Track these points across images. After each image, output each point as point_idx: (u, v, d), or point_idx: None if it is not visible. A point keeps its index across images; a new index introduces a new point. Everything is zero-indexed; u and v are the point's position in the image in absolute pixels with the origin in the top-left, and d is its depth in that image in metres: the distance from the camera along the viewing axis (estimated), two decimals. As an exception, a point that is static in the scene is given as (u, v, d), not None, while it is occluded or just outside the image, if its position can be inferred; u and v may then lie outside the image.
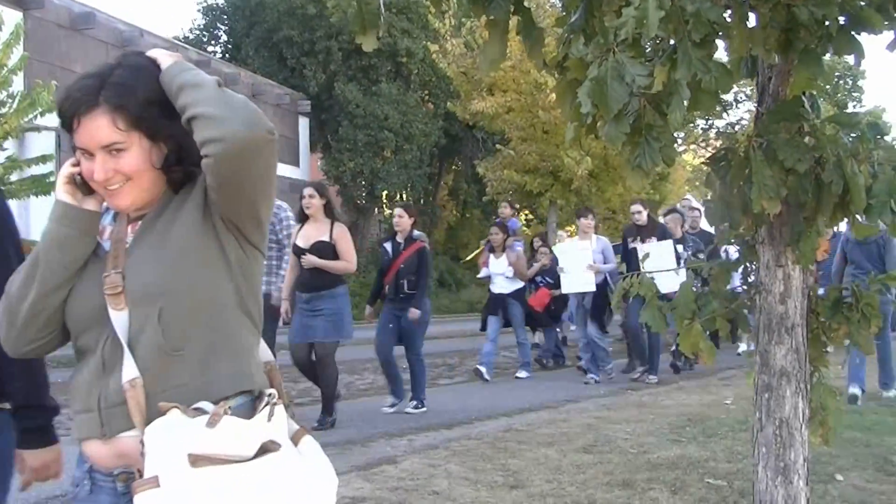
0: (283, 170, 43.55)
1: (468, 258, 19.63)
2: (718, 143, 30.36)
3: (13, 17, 21.79)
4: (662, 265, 13.26)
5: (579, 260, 15.05)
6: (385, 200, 47.90)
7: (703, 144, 47.00)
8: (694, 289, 5.04)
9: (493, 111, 32.08)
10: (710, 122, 43.65)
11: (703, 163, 4.95)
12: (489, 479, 7.71)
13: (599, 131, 4.25)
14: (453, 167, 53.21)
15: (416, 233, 12.40)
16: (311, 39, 44.96)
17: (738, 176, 4.43)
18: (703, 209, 17.15)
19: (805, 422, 4.66)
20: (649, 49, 4.21)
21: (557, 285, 16.36)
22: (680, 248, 14.94)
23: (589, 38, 4.31)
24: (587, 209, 16.39)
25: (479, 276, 17.41)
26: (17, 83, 20.39)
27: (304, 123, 47.31)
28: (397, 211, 12.65)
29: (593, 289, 14.89)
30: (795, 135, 4.35)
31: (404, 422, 11.07)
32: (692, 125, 40.92)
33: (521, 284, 15.95)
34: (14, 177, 19.94)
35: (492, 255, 15.92)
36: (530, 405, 12.27)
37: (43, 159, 20.19)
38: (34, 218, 27.66)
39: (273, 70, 46.09)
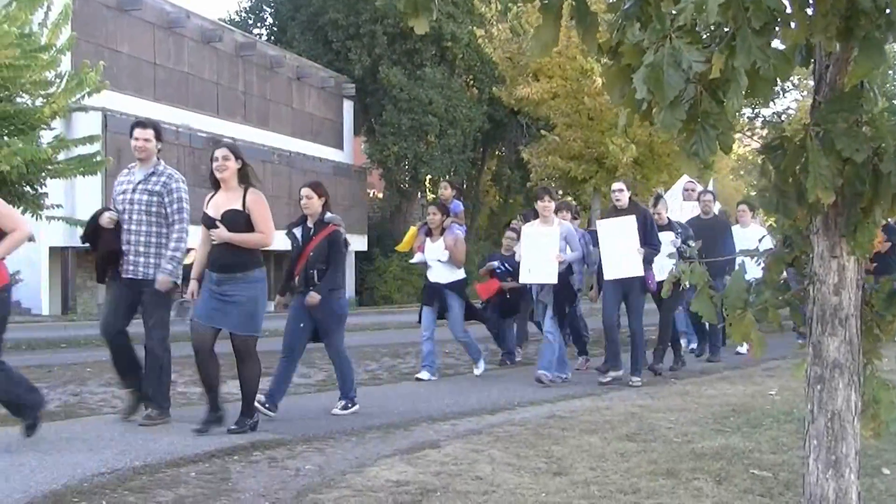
0: (328, 153, 43.67)
1: (400, 245, 16.70)
2: (765, 133, 30.15)
3: (62, -3, 21.90)
4: (623, 246, 13.21)
5: (541, 247, 13.20)
6: (428, 185, 47.91)
7: (748, 133, 46.71)
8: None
9: (538, 97, 32.00)
10: (756, 110, 43.30)
11: (757, 151, 4.89)
12: (532, 466, 7.69)
13: (654, 118, 4.21)
14: (497, 152, 53.14)
15: (328, 215, 10.81)
16: (357, 23, 45.01)
17: (793, 165, 4.38)
18: (715, 193, 16.84)
19: (857, 415, 4.61)
20: (706, 36, 4.16)
21: (517, 275, 14.00)
22: (671, 235, 14.21)
23: (644, 24, 4.26)
24: (545, 189, 14.15)
25: (412, 261, 15.33)
26: (65, 63, 20.53)
27: (348, 107, 47.42)
28: (304, 191, 10.92)
29: (554, 281, 13.15)
30: (853, 124, 4.29)
31: (447, 406, 11.05)
32: (738, 113, 40.64)
33: (461, 274, 13.94)
34: (61, 156, 20.09)
35: (428, 239, 13.98)
36: (573, 392, 12.23)
37: (90, 139, 20.36)
38: (80, 197, 27.90)
39: (318, 53, 46.23)
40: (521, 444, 8.57)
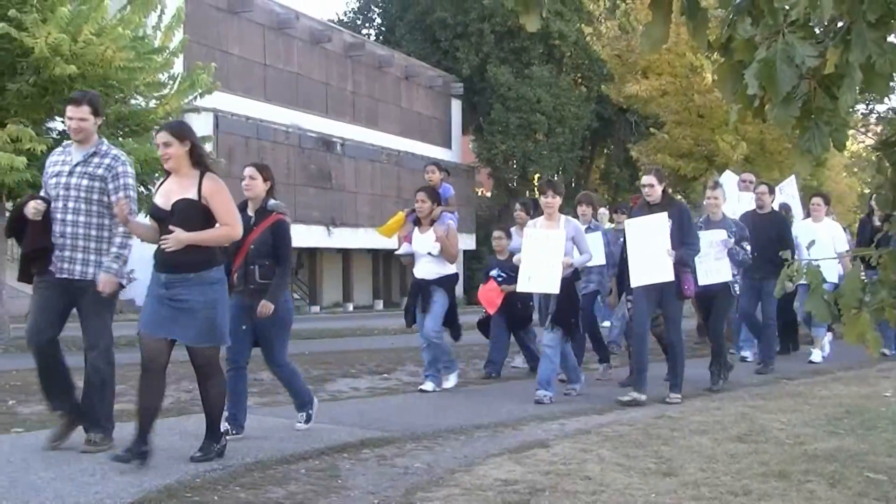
0: (436, 152, 43.81)
1: (382, 227, 14.34)
2: (880, 129, 29.61)
3: (174, 0, 22.26)
4: (653, 247, 11.42)
5: (544, 251, 11.39)
6: (536, 183, 47.85)
7: (863, 130, 45.88)
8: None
9: (647, 94, 31.75)
10: (871, 106, 42.51)
11: (872, 148, 4.79)
12: (642, 466, 7.63)
13: (767, 114, 4.15)
14: (605, 150, 52.91)
15: (271, 202, 9.30)
16: (465, 21, 45.14)
17: (912, 161, 4.29)
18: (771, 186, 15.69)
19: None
20: (819, 30, 4.09)
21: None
22: (723, 234, 12.60)
23: (756, 19, 4.20)
24: (549, 182, 12.10)
25: (397, 252, 13.11)
26: (178, 65, 20.86)
27: (456, 106, 47.55)
28: (248, 170, 9.54)
29: (555, 290, 11.27)
30: (974, 120, 4.18)
31: (556, 406, 11.01)
32: (852, 109, 39.94)
33: (450, 269, 12.42)
34: (173, 157, 20.38)
35: (416, 229, 12.38)
36: (683, 393, 12.10)
37: (202, 140, 20.58)
38: (193, 197, 28.30)
39: (426, 52, 46.44)
40: (630, 444, 8.51)
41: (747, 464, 7.69)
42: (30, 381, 12.42)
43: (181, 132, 7.98)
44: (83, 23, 16.94)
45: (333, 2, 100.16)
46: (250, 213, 9.14)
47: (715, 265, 12.46)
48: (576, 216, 13.40)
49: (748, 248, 12.80)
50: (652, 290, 11.53)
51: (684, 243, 11.43)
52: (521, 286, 11.57)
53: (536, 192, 28.93)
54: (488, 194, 51.44)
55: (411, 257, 12.45)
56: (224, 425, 8.39)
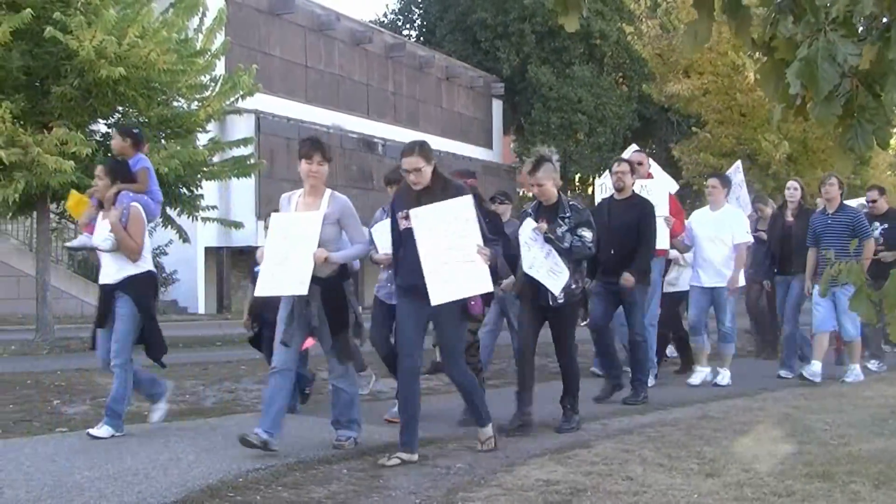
0: (476, 152, 43.82)
1: (69, 202, 10.92)
2: (924, 127, 29.34)
3: (216, 3, 22.41)
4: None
5: (293, 239, 8.61)
6: (578, 183, 47.77)
7: (907, 127, 45.52)
8: None
9: (689, 93, 31.62)
10: (915, 104, 42.10)
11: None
12: (684, 467, 7.60)
13: (809, 113, 4.13)
14: (647, 150, 52.65)
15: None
16: (505, 22, 45.10)
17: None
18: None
19: None
20: (861, 28, 4.07)
21: None
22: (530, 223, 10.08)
23: (798, 18, 4.19)
24: (314, 143, 8.54)
25: (67, 245, 10.82)
26: (220, 67, 20.97)
27: (497, 106, 47.56)
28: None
29: (303, 291, 8.45)
30: None
31: (598, 406, 10.99)
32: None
33: (140, 267, 9.28)
34: (216, 158, 20.55)
35: (100, 215, 9.48)
36: (726, 393, 12.05)
37: (244, 142, 20.80)
38: (234, 198, 28.48)
39: (467, 53, 46.45)
40: (672, 445, 8.49)
41: (791, 465, 7.66)
42: (74, 381, 12.55)
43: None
44: (128, 26, 17.05)
45: (374, 3, 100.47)
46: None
47: (547, 264, 9.59)
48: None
49: (587, 235, 9.54)
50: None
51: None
52: (262, 289, 8.58)
53: (577, 191, 27.73)
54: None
55: (94, 251, 9.57)
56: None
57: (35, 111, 17.38)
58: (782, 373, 13.82)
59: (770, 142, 30.08)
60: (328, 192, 8.75)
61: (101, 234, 9.18)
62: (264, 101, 29.21)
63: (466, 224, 8.13)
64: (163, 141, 18.83)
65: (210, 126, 20.45)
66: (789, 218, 14.57)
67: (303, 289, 8.32)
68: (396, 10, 53.42)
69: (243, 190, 27.80)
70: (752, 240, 14.05)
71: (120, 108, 18.60)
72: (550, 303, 9.51)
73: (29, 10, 16.02)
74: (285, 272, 8.41)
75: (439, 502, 6.74)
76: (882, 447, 8.35)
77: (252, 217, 27.64)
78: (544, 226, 9.48)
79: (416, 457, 8.07)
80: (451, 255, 8.07)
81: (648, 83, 36.13)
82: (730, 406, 10.96)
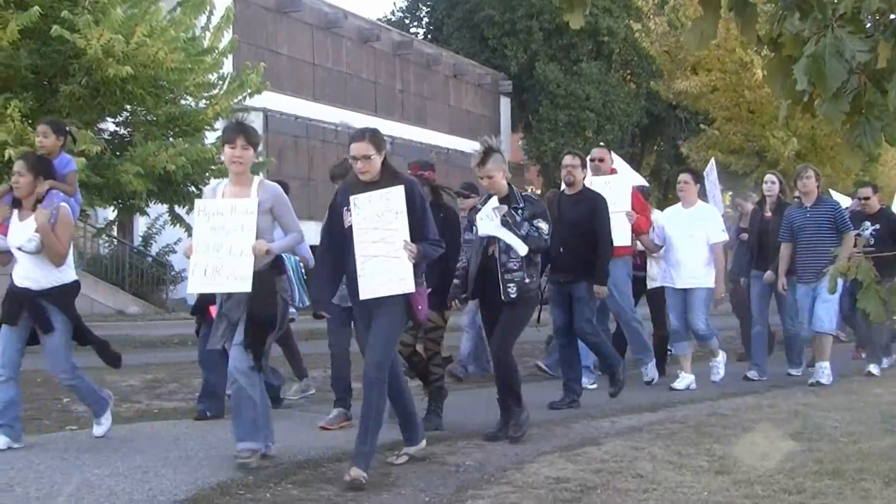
0: (484, 150, 43.72)
1: None
2: (933, 122, 29.24)
3: (223, 1, 22.43)
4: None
5: (227, 230, 7.95)
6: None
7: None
8: None
9: (697, 90, 31.66)
10: (923, 100, 42.04)
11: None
12: (694, 464, 7.59)
13: (816, 109, 4.13)
14: (655, 147, 52.69)
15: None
16: (512, 19, 45.12)
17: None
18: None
19: None
20: (869, 24, 4.07)
21: None
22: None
23: (804, 14, 4.18)
24: (240, 126, 7.82)
25: None
26: (227, 65, 21.01)
27: (505, 103, 47.55)
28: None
29: (246, 288, 7.65)
30: None
31: (607, 404, 10.96)
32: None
33: (68, 276, 8.56)
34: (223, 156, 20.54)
35: (15, 214, 8.57)
36: (735, 390, 12.02)
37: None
38: (243, 197, 28.51)
39: (474, 50, 46.46)
40: (682, 442, 8.48)
41: (801, 462, 7.64)
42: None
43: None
44: (135, 24, 17.09)
45: (381, 1, 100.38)
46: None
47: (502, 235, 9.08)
48: None
49: (543, 227, 9.06)
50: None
51: (416, 238, 7.63)
52: (195, 285, 7.94)
53: None
54: (538, 192, 51.39)
55: (7, 255, 8.64)
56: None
57: (43, 109, 17.40)
58: (750, 374, 13.31)
59: (778, 138, 30.08)
60: (257, 179, 8.12)
61: (23, 235, 8.31)
62: (272, 99, 29.24)
63: (396, 217, 7.50)
64: (171, 139, 18.86)
65: (218, 124, 20.45)
66: (767, 213, 13.74)
67: (245, 285, 7.59)
68: (404, 8, 53.51)
69: (251, 188, 27.79)
70: (727, 238, 13.29)
71: (128, 107, 18.66)
72: (503, 298, 8.87)
73: (37, 8, 16.04)
74: (222, 266, 7.66)
75: (449, 500, 6.74)
76: (892, 444, 8.33)
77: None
78: (505, 207, 8.95)
79: (423, 444, 8.01)
80: (379, 248, 7.52)
81: (656, 80, 36.17)
82: (739, 403, 10.93)
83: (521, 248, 8.87)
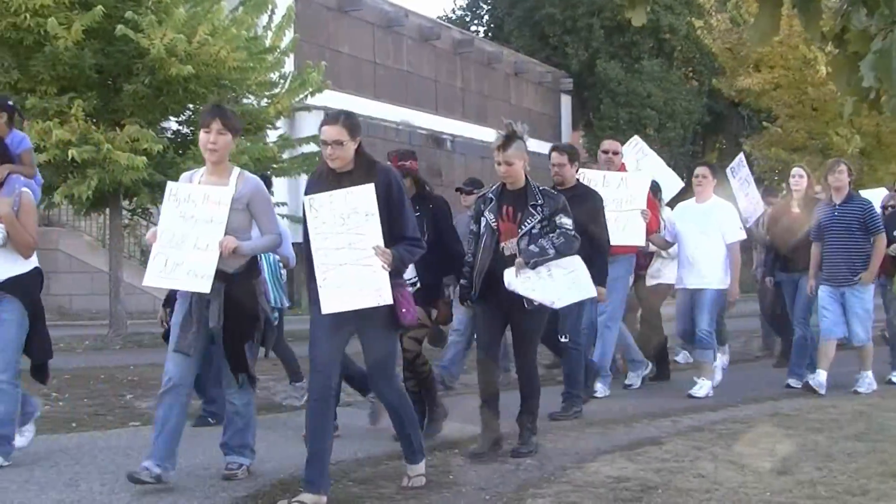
0: (545, 148, 43.57)
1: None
2: None
3: (284, 0, 22.53)
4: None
5: (194, 222, 7.29)
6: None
7: (984, 120, 44.84)
8: None
9: (759, 87, 31.37)
10: None
11: None
12: (756, 464, 7.54)
13: (883, 106, 4.07)
14: (717, 145, 52.34)
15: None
16: (573, 17, 45.02)
17: None
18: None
19: None
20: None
21: None
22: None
23: (871, 10, 4.13)
24: (217, 109, 7.02)
25: None
26: (289, 64, 21.13)
27: (565, 101, 47.47)
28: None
29: (205, 289, 7.02)
30: None
31: (668, 403, 10.92)
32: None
33: (27, 265, 7.66)
34: (286, 155, 20.68)
35: None
36: (798, 391, 11.90)
37: (313, 138, 20.89)
38: (303, 195, 28.64)
39: (535, 48, 46.43)
40: (744, 442, 8.44)
41: (865, 463, 7.58)
42: (147, 375, 12.69)
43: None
44: (198, 24, 17.23)
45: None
46: None
47: (559, 282, 8.23)
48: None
49: (567, 222, 8.13)
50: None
51: (394, 236, 6.84)
52: (152, 278, 7.08)
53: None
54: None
55: None
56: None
57: (107, 109, 17.62)
58: (791, 382, 12.28)
59: (842, 136, 29.77)
60: (236, 170, 7.30)
61: None
62: (333, 98, 29.30)
63: (367, 220, 6.59)
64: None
65: (279, 123, 20.62)
66: (795, 209, 12.75)
67: (204, 285, 6.89)
68: (465, 6, 53.56)
69: (313, 187, 27.96)
70: (745, 236, 12.24)
71: (190, 106, 18.80)
72: (526, 306, 7.96)
73: (100, 8, 16.19)
74: (184, 261, 6.92)
75: (509, 498, 6.74)
76: (958, 445, 8.24)
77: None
78: (521, 261, 7.88)
79: (324, 500, 6.57)
80: (345, 255, 6.60)
81: (718, 78, 35.91)
82: (802, 403, 10.84)
83: (585, 292, 8.36)
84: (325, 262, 6.60)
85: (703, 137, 49.61)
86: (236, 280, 7.07)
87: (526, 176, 8.23)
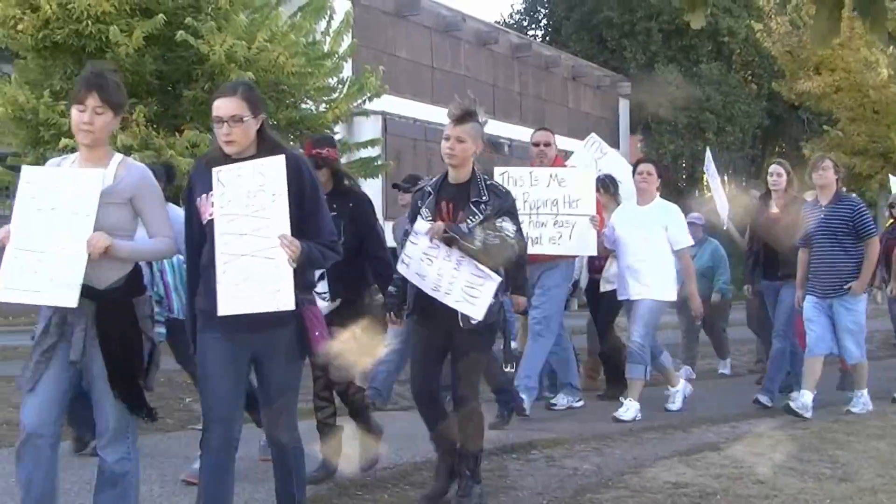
0: (604, 152, 43.57)
1: None
2: None
3: (343, 6, 22.64)
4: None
5: (58, 216, 5.94)
6: (705, 183, 47.31)
7: None
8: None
9: (820, 91, 31.17)
10: None
11: None
12: (816, 471, 7.48)
13: (946, 109, 4.02)
14: (777, 149, 51.95)
15: None
16: (631, 20, 44.97)
17: None
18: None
19: None
20: None
21: None
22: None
23: (936, 11, 4.09)
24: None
25: None
26: (347, 69, 21.20)
27: (623, 105, 47.36)
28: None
29: (71, 303, 5.23)
30: None
31: (727, 408, 10.85)
32: None
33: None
34: (344, 159, 20.73)
35: None
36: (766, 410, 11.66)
37: (371, 143, 21.05)
38: (363, 199, 28.74)
39: (593, 52, 46.41)
40: (803, 448, 8.36)
41: (927, 470, 7.49)
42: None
43: None
44: (257, 30, 17.34)
45: (499, 3, 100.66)
46: None
47: (461, 278, 6.65)
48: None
49: (509, 227, 6.73)
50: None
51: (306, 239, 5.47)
52: (5, 289, 5.28)
53: (706, 191, 26.47)
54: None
55: None
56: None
57: (167, 114, 17.75)
58: (761, 398, 11.11)
59: (904, 139, 29.53)
60: (118, 156, 5.65)
61: None
62: (391, 103, 29.43)
63: (273, 201, 5.25)
64: (292, 142, 19.08)
65: (337, 128, 20.66)
66: (774, 210, 11.54)
67: (70, 297, 5.16)
68: (522, 10, 53.63)
69: (370, 191, 27.64)
70: (692, 242, 11.22)
71: (250, 112, 18.90)
72: (461, 325, 6.60)
73: (161, 15, 16.34)
74: (42, 267, 5.20)
75: (566, 503, 6.72)
76: None
77: (380, 217, 27.86)
78: (440, 225, 6.63)
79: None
80: (247, 244, 5.26)
81: (778, 81, 35.70)
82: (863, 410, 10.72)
83: (478, 311, 6.54)
84: (226, 252, 5.28)
85: (762, 141, 49.30)
86: (110, 300, 5.33)
87: (473, 168, 7.14)
